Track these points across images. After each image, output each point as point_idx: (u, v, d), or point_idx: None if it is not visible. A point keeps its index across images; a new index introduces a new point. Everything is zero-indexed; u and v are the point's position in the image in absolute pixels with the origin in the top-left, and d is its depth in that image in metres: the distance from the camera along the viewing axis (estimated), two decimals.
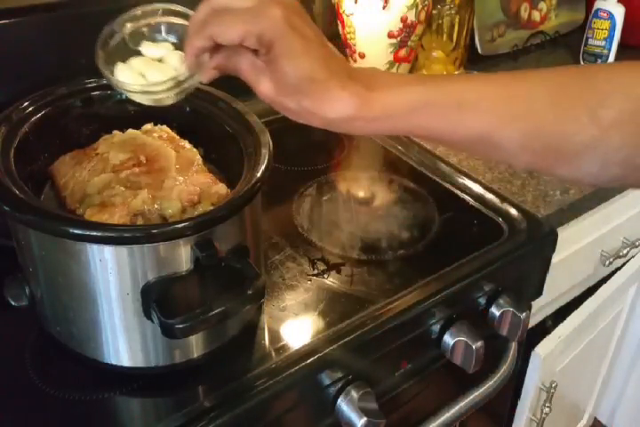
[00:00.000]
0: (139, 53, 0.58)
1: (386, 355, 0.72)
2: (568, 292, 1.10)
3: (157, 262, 0.57)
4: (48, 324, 0.66)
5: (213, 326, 0.58)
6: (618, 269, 1.15)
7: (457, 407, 0.81)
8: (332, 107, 0.49)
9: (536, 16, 1.38)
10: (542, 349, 0.99)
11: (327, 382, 0.67)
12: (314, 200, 0.90)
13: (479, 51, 1.28)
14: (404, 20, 1.07)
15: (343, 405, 0.68)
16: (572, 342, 1.07)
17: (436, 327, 0.76)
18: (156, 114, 0.72)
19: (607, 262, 1.11)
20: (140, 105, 0.57)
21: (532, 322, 0.98)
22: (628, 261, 1.16)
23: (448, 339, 0.75)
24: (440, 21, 1.18)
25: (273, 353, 0.66)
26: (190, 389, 0.63)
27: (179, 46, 0.57)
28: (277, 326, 0.70)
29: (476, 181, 0.92)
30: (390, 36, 1.09)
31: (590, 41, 1.28)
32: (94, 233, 0.55)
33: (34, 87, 0.70)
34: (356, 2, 1.07)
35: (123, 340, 0.61)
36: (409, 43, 1.11)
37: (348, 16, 1.09)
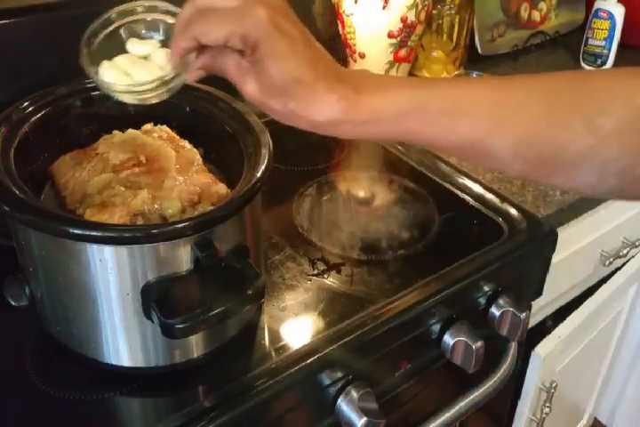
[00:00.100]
0: (125, 51, 0.57)
1: (386, 355, 0.72)
2: (568, 292, 1.10)
3: (157, 262, 0.57)
4: (48, 324, 0.66)
5: (213, 326, 0.58)
6: (618, 269, 1.15)
7: (457, 407, 0.81)
8: (319, 109, 0.48)
9: (536, 16, 1.38)
10: (542, 349, 0.99)
11: (327, 382, 0.67)
12: (314, 200, 0.90)
13: (479, 51, 1.28)
14: (404, 20, 1.07)
15: (343, 405, 0.68)
16: (572, 342, 1.07)
17: (436, 327, 0.76)
18: (155, 114, 0.72)
19: (607, 262, 1.11)
20: (139, 105, 0.57)
21: (532, 322, 0.98)
22: (628, 261, 1.16)
23: (448, 339, 0.75)
24: (440, 21, 1.18)
25: (273, 353, 0.66)
26: (190, 389, 0.63)
27: (166, 44, 0.57)
28: (277, 326, 0.70)
29: (476, 181, 0.92)
30: (390, 36, 1.09)
31: (590, 41, 1.28)
32: (94, 233, 0.55)
33: (34, 87, 0.70)
34: (356, 2, 1.07)
35: (123, 340, 0.61)
36: (409, 43, 1.11)
37: (348, 16, 1.09)
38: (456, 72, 1.15)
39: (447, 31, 1.19)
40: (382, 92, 0.48)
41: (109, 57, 0.56)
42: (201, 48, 0.49)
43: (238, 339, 0.67)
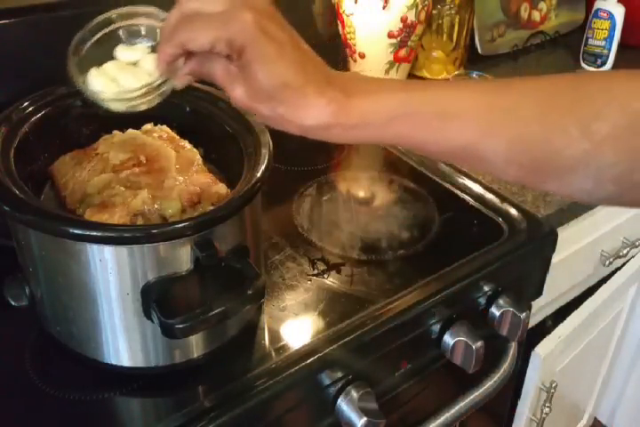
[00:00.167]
0: (113, 57, 0.56)
1: (386, 355, 0.72)
2: (568, 292, 1.10)
3: (157, 262, 0.57)
4: (48, 324, 0.66)
5: (213, 326, 0.58)
6: (618, 269, 1.15)
7: (457, 407, 0.81)
8: (308, 113, 0.47)
9: (536, 16, 1.38)
10: (542, 349, 0.99)
11: (327, 382, 0.67)
12: (314, 200, 0.90)
13: (479, 51, 1.28)
14: (403, 20, 1.07)
15: (343, 405, 0.68)
16: (572, 342, 1.07)
17: (436, 327, 0.76)
18: (155, 114, 0.71)
19: (607, 262, 1.11)
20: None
21: (532, 322, 0.98)
22: (628, 261, 1.16)
23: (448, 339, 0.75)
24: (440, 21, 1.18)
25: (273, 353, 0.66)
26: (190, 389, 0.63)
27: (156, 49, 0.55)
28: (277, 326, 0.70)
29: (476, 181, 0.92)
30: (390, 36, 1.09)
31: (590, 41, 1.28)
32: (94, 233, 0.55)
33: (34, 87, 0.70)
34: (356, 2, 1.07)
35: (123, 340, 0.61)
36: (409, 43, 1.11)
37: (348, 16, 1.09)
38: (456, 72, 1.15)
39: (447, 31, 1.19)
40: (373, 95, 0.48)
41: (99, 64, 0.56)
42: (189, 53, 0.49)
43: (238, 339, 0.67)
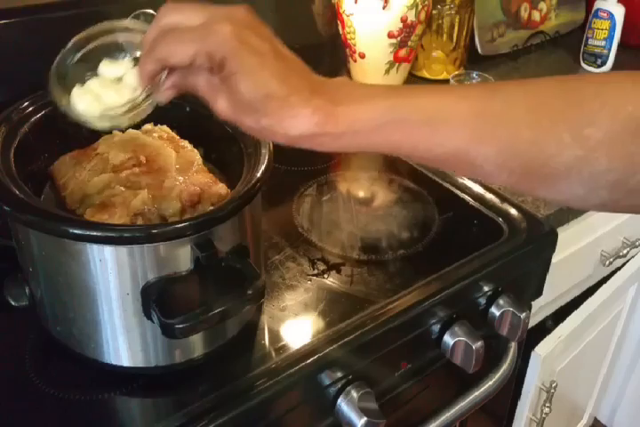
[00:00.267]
0: (97, 73, 0.55)
1: (386, 355, 0.72)
2: (568, 292, 1.10)
3: (157, 262, 0.57)
4: (48, 324, 0.66)
5: (213, 326, 0.58)
6: (618, 269, 1.15)
7: (457, 407, 0.81)
8: (294, 124, 0.46)
9: (536, 16, 1.38)
10: (542, 349, 0.99)
11: (327, 382, 0.67)
12: (314, 200, 0.90)
13: (479, 51, 1.28)
14: (403, 20, 1.07)
15: (343, 405, 0.68)
16: (572, 342, 1.07)
17: (436, 327, 0.76)
18: (155, 114, 0.71)
19: (607, 262, 1.11)
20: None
21: (532, 322, 0.99)
22: (627, 262, 1.16)
23: (448, 339, 0.75)
24: (440, 21, 1.18)
25: (273, 353, 0.66)
26: (190, 389, 0.63)
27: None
28: (277, 326, 0.70)
29: (475, 181, 0.92)
30: (390, 36, 1.09)
31: (590, 41, 1.28)
32: (94, 233, 0.55)
33: (34, 87, 0.70)
34: (356, 2, 1.07)
35: (123, 340, 0.61)
36: (409, 43, 1.11)
37: (348, 16, 1.09)
38: (456, 72, 1.15)
39: (447, 31, 1.19)
40: (360, 102, 0.47)
41: (83, 81, 0.54)
42: (171, 67, 0.48)
43: (238, 339, 0.67)
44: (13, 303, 0.66)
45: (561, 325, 1.04)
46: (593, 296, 1.09)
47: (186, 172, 0.67)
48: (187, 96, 0.64)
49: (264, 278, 0.62)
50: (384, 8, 1.06)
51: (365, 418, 0.66)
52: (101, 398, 0.62)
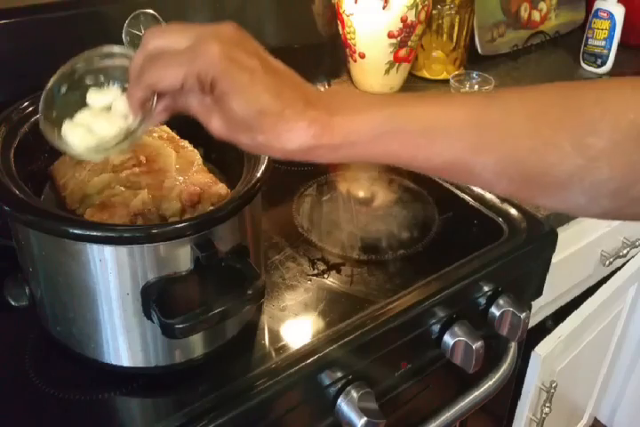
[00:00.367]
0: (85, 104, 0.53)
1: (386, 355, 0.72)
2: (568, 292, 1.10)
3: (157, 262, 0.57)
4: (48, 324, 0.66)
5: (213, 326, 0.58)
6: (618, 269, 1.15)
7: (457, 407, 0.81)
8: (290, 138, 0.45)
9: (536, 16, 1.38)
10: (542, 349, 0.99)
11: (327, 382, 0.67)
12: (314, 200, 0.90)
13: (479, 51, 1.28)
14: (403, 20, 1.07)
15: (343, 405, 0.68)
16: (572, 342, 1.07)
17: (436, 327, 0.76)
18: None
19: (607, 262, 1.11)
20: None
21: (532, 322, 0.98)
22: (627, 262, 1.16)
23: (448, 339, 0.75)
24: (440, 21, 1.18)
25: (273, 353, 0.66)
26: (190, 389, 0.63)
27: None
28: (277, 326, 0.70)
29: None
30: (390, 36, 1.09)
31: (590, 41, 1.28)
32: (94, 233, 0.55)
33: (34, 87, 0.70)
34: (356, 2, 1.07)
35: (123, 340, 0.61)
36: (409, 43, 1.11)
37: (348, 16, 1.09)
38: (456, 72, 1.15)
39: (447, 31, 1.19)
40: (356, 113, 0.46)
41: (72, 114, 0.53)
42: (161, 92, 0.47)
43: (238, 339, 0.67)
44: (13, 303, 0.66)
45: (561, 325, 1.04)
46: (593, 296, 1.09)
47: (186, 172, 0.67)
48: None
49: (264, 278, 0.62)
50: (384, 8, 1.06)
51: (365, 418, 0.66)
52: (101, 398, 0.62)
